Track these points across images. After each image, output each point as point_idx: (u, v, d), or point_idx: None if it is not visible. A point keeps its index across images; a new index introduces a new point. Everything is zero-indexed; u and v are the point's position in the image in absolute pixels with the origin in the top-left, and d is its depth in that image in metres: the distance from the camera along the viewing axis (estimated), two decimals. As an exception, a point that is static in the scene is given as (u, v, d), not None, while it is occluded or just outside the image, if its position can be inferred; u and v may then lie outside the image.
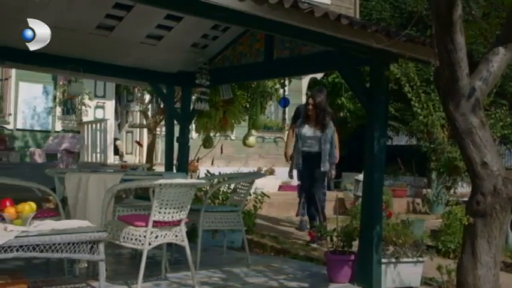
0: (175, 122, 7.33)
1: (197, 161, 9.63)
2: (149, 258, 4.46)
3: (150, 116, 10.32)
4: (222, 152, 10.27)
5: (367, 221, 5.01)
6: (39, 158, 10.34)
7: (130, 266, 5.45)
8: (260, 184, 8.37)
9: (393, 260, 5.16)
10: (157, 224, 4.29)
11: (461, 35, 3.33)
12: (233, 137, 11.71)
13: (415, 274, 5.29)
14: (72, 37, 5.68)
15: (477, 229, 3.46)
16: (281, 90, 7.88)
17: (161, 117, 9.41)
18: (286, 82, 7.94)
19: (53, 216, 4.60)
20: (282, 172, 8.17)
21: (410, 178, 12.14)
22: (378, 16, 15.37)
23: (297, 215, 8.28)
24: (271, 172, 12.15)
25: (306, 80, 13.51)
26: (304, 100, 10.70)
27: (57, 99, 11.09)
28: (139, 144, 11.71)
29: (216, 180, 6.97)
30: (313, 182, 7.33)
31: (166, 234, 4.37)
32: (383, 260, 5.03)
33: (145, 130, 11.21)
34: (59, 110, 11.36)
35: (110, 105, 11.96)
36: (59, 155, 10.47)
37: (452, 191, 6.72)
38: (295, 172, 7.76)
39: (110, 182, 4.77)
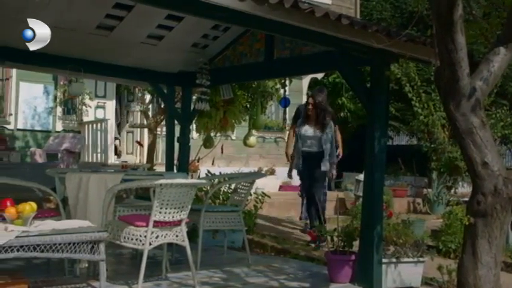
0: (175, 122, 7.32)
1: (198, 161, 9.63)
2: (150, 258, 4.46)
3: (150, 116, 10.32)
4: (222, 152, 10.27)
5: (368, 221, 5.01)
6: (39, 158, 10.34)
7: (131, 266, 5.45)
8: (261, 184, 8.36)
9: (394, 260, 5.16)
10: (157, 224, 4.29)
11: (461, 34, 3.33)
12: (234, 137, 11.71)
13: (416, 274, 5.29)
14: (72, 37, 5.68)
15: (478, 229, 3.45)
16: (282, 90, 7.88)
17: (162, 117, 9.41)
18: (287, 82, 7.94)
19: (53, 216, 4.60)
20: (283, 172, 8.17)
21: (410, 178, 12.14)
22: (378, 16, 15.37)
23: (300, 219, 8.27)
24: (271, 172, 12.16)
25: (306, 80, 13.51)
26: (304, 100, 10.69)
27: (58, 99, 11.10)
28: (140, 144, 11.71)
29: (216, 180, 6.97)
30: (313, 182, 7.32)
31: (167, 234, 4.37)
32: (384, 260, 5.03)
33: (145, 130, 11.21)
34: (59, 110, 11.36)
35: (111, 105, 11.96)
36: (59, 155, 10.47)
37: (452, 191, 6.72)
38: (294, 172, 7.75)
39: (111, 182, 4.77)
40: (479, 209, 3.44)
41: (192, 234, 5.44)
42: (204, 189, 7.11)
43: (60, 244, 3.49)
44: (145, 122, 10.80)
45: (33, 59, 5.77)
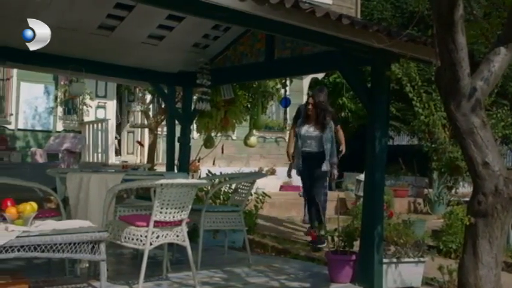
0: (176, 122, 7.32)
1: (198, 161, 9.63)
2: (150, 258, 4.46)
3: (151, 116, 10.32)
4: (223, 152, 10.28)
5: (369, 221, 5.00)
6: (40, 158, 10.35)
7: (132, 266, 5.46)
8: (261, 184, 8.36)
9: (394, 260, 5.16)
10: (158, 224, 4.29)
11: (462, 34, 3.33)
12: (234, 137, 11.71)
13: (416, 274, 5.28)
14: (73, 37, 5.68)
15: (478, 229, 3.45)
16: (282, 90, 7.88)
17: (162, 117, 9.41)
18: (288, 82, 7.94)
19: (54, 216, 4.60)
20: (283, 172, 8.17)
21: (411, 178, 12.13)
22: (379, 16, 15.36)
23: (304, 222, 8.26)
24: (272, 172, 12.15)
25: (307, 80, 13.50)
26: (305, 100, 10.69)
27: (59, 99, 11.10)
28: (141, 144, 11.71)
29: (217, 180, 6.97)
30: (313, 182, 7.31)
31: (167, 234, 4.37)
32: (384, 260, 5.03)
33: (146, 130, 11.21)
34: (60, 110, 11.37)
35: (111, 105, 11.97)
36: (60, 155, 10.47)
37: (453, 191, 6.74)
38: (294, 172, 7.75)
39: (111, 182, 4.78)
40: (480, 209, 3.44)
41: (193, 234, 5.45)
42: (204, 189, 7.12)
43: (60, 244, 3.50)
44: (146, 122, 10.80)
45: (34, 59, 5.78)
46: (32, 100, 11.01)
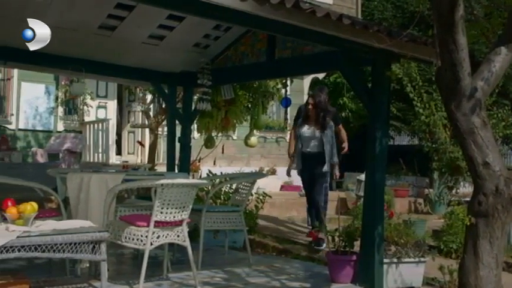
0: (177, 122, 7.33)
1: (199, 161, 9.63)
2: (151, 258, 4.46)
3: (152, 116, 10.33)
4: (223, 152, 10.27)
5: (369, 221, 5.00)
6: (41, 158, 10.36)
7: (132, 266, 5.46)
8: (262, 184, 8.37)
9: (395, 260, 5.16)
10: (159, 224, 4.29)
11: (463, 35, 3.33)
12: (235, 137, 11.71)
13: (417, 274, 5.28)
14: (74, 37, 5.69)
15: (479, 229, 3.45)
16: (283, 90, 7.87)
17: (163, 117, 9.41)
18: (288, 82, 7.93)
19: (54, 216, 4.61)
20: (284, 172, 8.16)
21: (412, 178, 12.12)
22: (379, 16, 15.35)
23: (308, 224, 8.25)
24: (273, 172, 12.15)
25: (307, 80, 13.50)
26: (306, 100, 10.69)
27: (59, 99, 11.12)
28: (141, 144, 11.71)
29: (217, 180, 6.97)
30: (313, 182, 7.29)
31: (168, 234, 4.37)
32: (385, 260, 5.03)
33: (147, 130, 11.21)
34: (61, 110, 11.38)
35: (112, 105, 11.98)
36: (61, 155, 10.49)
37: (454, 191, 6.73)
38: (293, 172, 7.75)
39: (112, 182, 4.78)
40: (480, 209, 3.44)
41: (193, 234, 5.45)
42: (205, 189, 7.12)
43: (61, 244, 3.50)
44: (146, 122, 10.81)
45: (34, 59, 5.78)
46: (33, 100, 11.02)
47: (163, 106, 9.11)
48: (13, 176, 5.04)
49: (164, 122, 9.43)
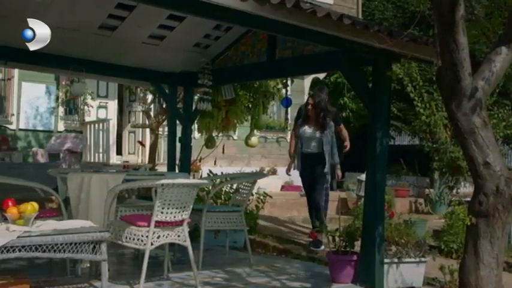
0: (177, 122, 7.33)
1: (199, 161, 9.63)
2: (151, 258, 4.46)
3: (152, 116, 10.33)
4: (224, 152, 10.26)
5: (370, 221, 5.00)
6: (41, 158, 10.37)
7: (133, 266, 5.46)
8: (262, 184, 8.37)
9: (395, 260, 5.16)
10: (159, 224, 4.29)
11: (463, 34, 3.32)
12: (235, 137, 11.71)
13: (418, 274, 5.28)
14: (74, 37, 5.69)
15: (480, 229, 3.45)
16: (283, 90, 7.87)
17: (163, 117, 9.41)
18: (289, 82, 7.93)
19: (55, 216, 4.61)
20: (285, 172, 8.16)
21: (412, 178, 12.11)
22: (380, 16, 15.34)
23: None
24: (273, 172, 12.15)
25: (308, 80, 13.49)
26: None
27: (60, 99, 11.11)
28: (142, 144, 11.72)
29: (218, 180, 6.97)
30: (314, 182, 7.28)
31: (168, 234, 4.37)
32: (385, 260, 5.03)
33: (147, 130, 11.22)
34: (61, 110, 11.38)
35: (113, 105, 11.98)
36: (61, 155, 10.50)
37: (454, 190, 6.74)
38: (293, 171, 7.74)
39: (112, 182, 4.78)
40: (481, 209, 3.44)
41: (194, 234, 5.45)
42: (205, 189, 7.11)
43: (62, 244, 3.50)
44: (147, 122, 10.81)
45: (35, 59, 5.78)
46: (34, 100, 11.02)
47: (164, 106, 9.11)
48: (14, 176, 5.04)
49: (165, 122, 9.43)
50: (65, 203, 4.88)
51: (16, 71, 10.58)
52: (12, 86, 10.86)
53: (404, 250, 5.25)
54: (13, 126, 10.86)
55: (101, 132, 10.85)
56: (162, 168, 9.15)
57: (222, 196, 7.35)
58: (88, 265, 4.75)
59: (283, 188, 12.18)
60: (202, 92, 6.76)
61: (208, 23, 6.00)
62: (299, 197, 9.94)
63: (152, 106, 10.74)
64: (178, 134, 7.31)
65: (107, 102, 11.88)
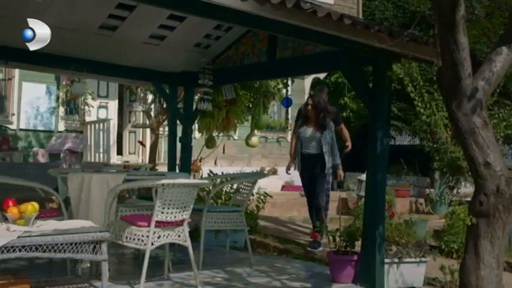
0: (178, 122, 7.33)
1: (200, 161, 9.63)
2: (152, 258, 4.46)
3: (152, 116, 10.33)
4: (224, 152, 10.27)
5: (370, 221, 5.00)
6: (42, 158, 10.36)
7: (133, 266, 5.46)
8: (263, 184, 8.37)
9: (396, 260, 5.16)
10: (160, 224, 4.29)
11: (464, 34, 3.32)
12: (236, 137, 11.71)
13: (418, 274, 5.28)
14: (74, 37, 5.69)
15: (480, 229, 3.45)
16: (284, 90, 7.87)
17: (164, 117, 9.41)
18: (289, 82, 7.93)
19: (55, 216, 4.61)
20: (285, 172, 8.16)
21: (413, 178, 12.12)
22: (380, 16, 15.35)
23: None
24: (274, 172, 12.14)
25: (308, 80, 13.49)
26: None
27: (60, 99, 11.11)
28: (142, 144, 11.72)
29: (218, 180, 6.97)
30: (314, 183, 7.26)
31: (169, 234, 4.37)
32: (386, 260, 5.03)
33: (148, 130, 11.22)
34: (62, 110, 11.38)
35: (113, 105, 11.98)
36: (62, 155, 10.49)
37: (455, 190, 6.73)
38: (292, 170, 7.74)
39: (113, 182, 4.78)
40: (481, 209, 3.44)
41: (194, 234, 5.45)
42: (206, 189, 7.11)
43: (62, 244, 3.50)
44: (147, 122, 10.80)
45: (35, 59, 5.79)
46: (34, 100, 11.02)
47: (164, 106, 9.11)
48: (14, 176, 5.04)
49: (165, 122, 9.43)
50: (65, 203, 4.88)
51: (17, 71, 10.58)
52: (13, 86, 10.85)
53: (405, 250, 5.25)
54: (14, 126, 10.86)
55: (101, 132, 10.85)
56: (163, 168, 9.15)
57: (223, 196, 7.35)
58: (88, 265, 4.75)
59: (283, 188, 12.18)
60: (203, 92, 6.76)
61: (208, 23, 6.00)
62: (299, 197, 9.93)
63: (153, 106, 10.74)
64: (179, 134, 7.31)
65: (107, 102, 11.88)
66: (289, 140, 8.88)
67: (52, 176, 5.27)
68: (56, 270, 4.78)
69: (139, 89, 11.24)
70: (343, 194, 10.38)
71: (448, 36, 3.32)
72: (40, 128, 11.13)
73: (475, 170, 3.46)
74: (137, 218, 4.49)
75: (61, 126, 11.38)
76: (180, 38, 6.22)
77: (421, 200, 11.27)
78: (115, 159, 11.12)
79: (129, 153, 12.27)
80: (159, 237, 4.31)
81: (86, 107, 10.80)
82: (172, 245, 4.90)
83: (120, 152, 12.00)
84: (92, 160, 10.95)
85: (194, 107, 7.15)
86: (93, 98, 10.90)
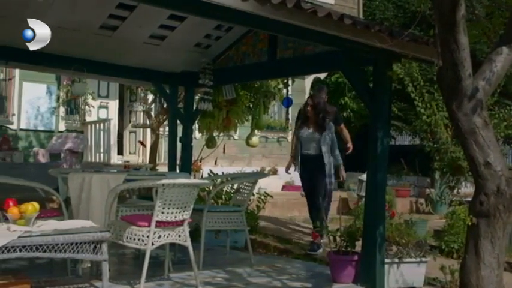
0: (178, 122, 7.33)
1: (200, 161, 9.63)
2: (152, 258, 4.46)
3: (153, 116, 10.33)
4: (224, 152, 10.26)
5: (370, 221, 5.00)
6: (42, 158, 10.37)
7: (134, 266, 5.46)
8: (263, 184, 8.37)
9: (396, 260, 5.16)
10: (160, 224, 4.29)
11: (464, 34, 3.32)
12: (236, 137, 11.70)
13: (418, 274, 5.28)
14: (75, 37, 5.69)
15: (480, 229, 3.45)
16: (284, 90, 7.87)
17: (164, 117, 9.41)
18: (290, 82, 7.93)
19: (56, 216, 4.61)
20: (285, 172, 8.15)
21: (413, 178, 12.11)
22: (381, 16, 15.35)
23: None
24: (274, 172, 12.14)
25: (309, 80, 13.49)
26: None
27: (61, 99, 11.12)
28: (143, 144, 11.72)
29: (219, 180, 6.97)
30: (314, 183, 7.25)
31: (169, 234, 4.37)
32: (386, 260, 5.03)
33: (148, 130, 11.22)
34: (62, 110, 11.39)
35: (113, 105, 11.99)
36: (62, 155, 10.50)
37: (455, 190, 6.74)
38: (292, 169, 7.74)
39: (113, 182, 4.78)
40: (482, 209, 3.44)
41: (195, 234, 5.45)
42: (206, 189, 7.10)
43: (62, 244, 3.50)
44: (148, 122, 10.80)
45: (36, 59, 5.79)
46: (34, 100, 11.02)
47: (165, 106, 9.12)
48: (15, 176, 5.04)
49: (165, 122, 9.43)
50: (65, 203, 4.88)
51: (17, 71, 10.58)
52: (13, 86, 10.86)
53: (405, 250, 5.25)
54: (14, 126, 10.86)
55: (101, 132, 10.86)
56: (163, 168, 9.15)
57: (223, 196, 7.35)
58: (89, 265, 4.75)
59: (284, 188, 12.18)
60: (203, 92, 6.76)
61: (209, 23, 6.00)
62: (300, 197, 9.91)
63: (153, 106, 10.75)
64: (179, 134, 7.31)
65: (107, 102, 11.89)
66: (290, 140, 8.88)
67: (52, 176, 5.27)
68: (56, 270, 4.78)
69: (139, 89, 11.25)
70: (344, 194, 10.39)
71: (448, 36, 3.32)
72: (40, 128, 11.13)
73: (476, 170, 3.46)
74: (138, 218, 4.49)
75: (61, 126, 11.39)
76: (180, 38, 6.22)
77: (422, 200, 11.27)
78: (115, 159, 11.13)
79: (130, 153, 12.27)
80: (159, 237, 4.31)
81: (87, 107, 10.82)
82: (172, 245, 4.90)
83: (120, 152, 12.01)
84: (93, 160, 10.95)
85: (194, 107, 7.15)
86: (93, 98, 10.92)
